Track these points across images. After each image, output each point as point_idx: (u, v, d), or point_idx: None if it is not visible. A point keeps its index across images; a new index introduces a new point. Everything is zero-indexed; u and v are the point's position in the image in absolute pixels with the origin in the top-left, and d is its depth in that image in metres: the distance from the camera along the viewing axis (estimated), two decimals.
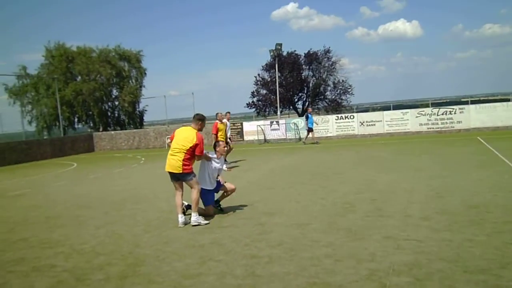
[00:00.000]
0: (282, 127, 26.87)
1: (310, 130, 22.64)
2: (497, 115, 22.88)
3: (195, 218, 6.92)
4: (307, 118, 22.78)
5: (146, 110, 43.27)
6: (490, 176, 9.45)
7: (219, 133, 14.15)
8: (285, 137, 26.58)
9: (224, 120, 15.19)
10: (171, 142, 7.36)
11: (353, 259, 4.83)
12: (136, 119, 42.58)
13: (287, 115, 43.35)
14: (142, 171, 16.43)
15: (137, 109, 42.76)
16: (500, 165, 10.98)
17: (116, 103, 41.96)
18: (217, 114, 14.69)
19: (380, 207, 7.29)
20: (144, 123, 44.13)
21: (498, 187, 8.21)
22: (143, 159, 21.73)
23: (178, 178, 7.10)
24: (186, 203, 7.47)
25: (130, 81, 41.97)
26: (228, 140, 15.39)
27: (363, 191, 8.77)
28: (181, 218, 7.00)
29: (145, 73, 42.64)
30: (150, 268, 5.06)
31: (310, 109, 25.61)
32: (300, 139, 25.78)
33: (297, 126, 26.38)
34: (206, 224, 6.93)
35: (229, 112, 16.39)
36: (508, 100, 24.75)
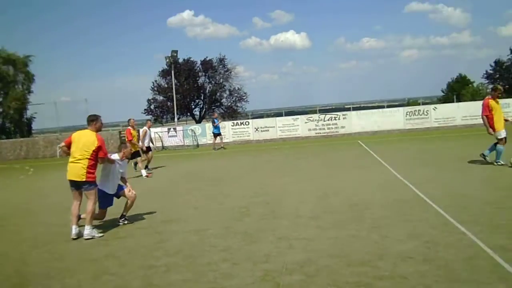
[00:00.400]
0: (180, 134, 26.55)
1: (217, 135, 22.69)
2: (375, 120, 24.85)
3: (88, 231, 6.53)
4: (213, 123, 22.83)
5: (34, 118, 39.97)
6: (370, 176, 10.23)
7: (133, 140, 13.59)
8: (183, 144, 26.28)
9: (145, 128, 15.01)
10: (65, 145, 6.84)
11: (249, 261, 4.92)
12: (23, 127, 39.11)
13: (185, 122, 42.99)
14: (30, 183, 15.21)
15: (25, 116, 39.39)
16: (378, 166, 11.93)
17: (0, 110, 38.33)
18: (129, 120, 14.18)
19: (274, 209, 7.52)
20: (33, 131, 40.74)
21: (376, 186, 8.90)
22: (31, 170, 20.09)
23: (79, 187, 6.66)
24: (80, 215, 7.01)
25: (16, 87, 38.59)
26: (150, 146, 14.97)
27: (258, 195, 8.98)
28: (75, 229, 6.57)
29: (33, 79, 39.56)
30: (39, 287, 4.69)
31: (216, 114, 25.55)
32: (198, 145, 25.72)
33: (194, 133, 26.24)
34: (101, 236, 6.59)
35: (149, 120, 16.18)
36: (383, 107, 26.98)
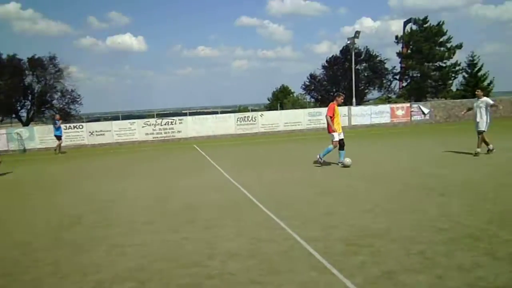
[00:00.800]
0: (3, 138, 23.38)
1: (59, 137, 20.61)
2: (209, 126, 25.50)
3: None
4: (54, 124, 20.73)
5: None
6: (204, 179, 10.43)
7: None
8: (7, 148, 23.19)
9: None
10: None
11: (79, 273, 4.55)
12: None
13: (10, 124, 38.01)
14: None
15: None
16: (212, 169, 12.25)
17: None
18: None
19: (107, 216, 7.12)
20: None
21: (210, 189, 9.11)
22: None
23: None
24: None
25: None
26: None
27: (91, 202, 8.41)
28: None
29: None
30: None
31: (58, 116, 23.01)
32: (25, 150, 23.01)
33: (20, 136, 23.40)
34: None
35: None
36: (217, 112, 27.84)
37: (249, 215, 6.62)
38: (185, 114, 27.85)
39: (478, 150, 11.56)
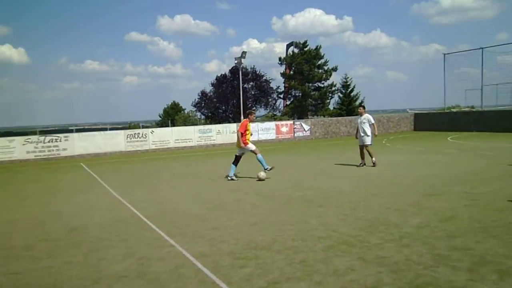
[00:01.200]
0: None
1: None
2: (97, 143, 24.02)
3: None
4: None
5: None
6: (90, 199, 9.77)
7: None
8: None
9: None
10: None
11: None
12: None
13: None
14: None
15: None
16: (99, 188, 11.54)
17: None
18: None
19: None
20: None
21: (96, 208, 8.55)
22: None
23: None
24: None
25: None
26: None
27: None
28: None
29: None
30: None
31: None
32: None
33: None
34: None
35: None
36: (105, 129, 26.44)
37: (138, 234, 6.35)
38: (71, 131, 25.95)
39: (374, 160, 12.59)
